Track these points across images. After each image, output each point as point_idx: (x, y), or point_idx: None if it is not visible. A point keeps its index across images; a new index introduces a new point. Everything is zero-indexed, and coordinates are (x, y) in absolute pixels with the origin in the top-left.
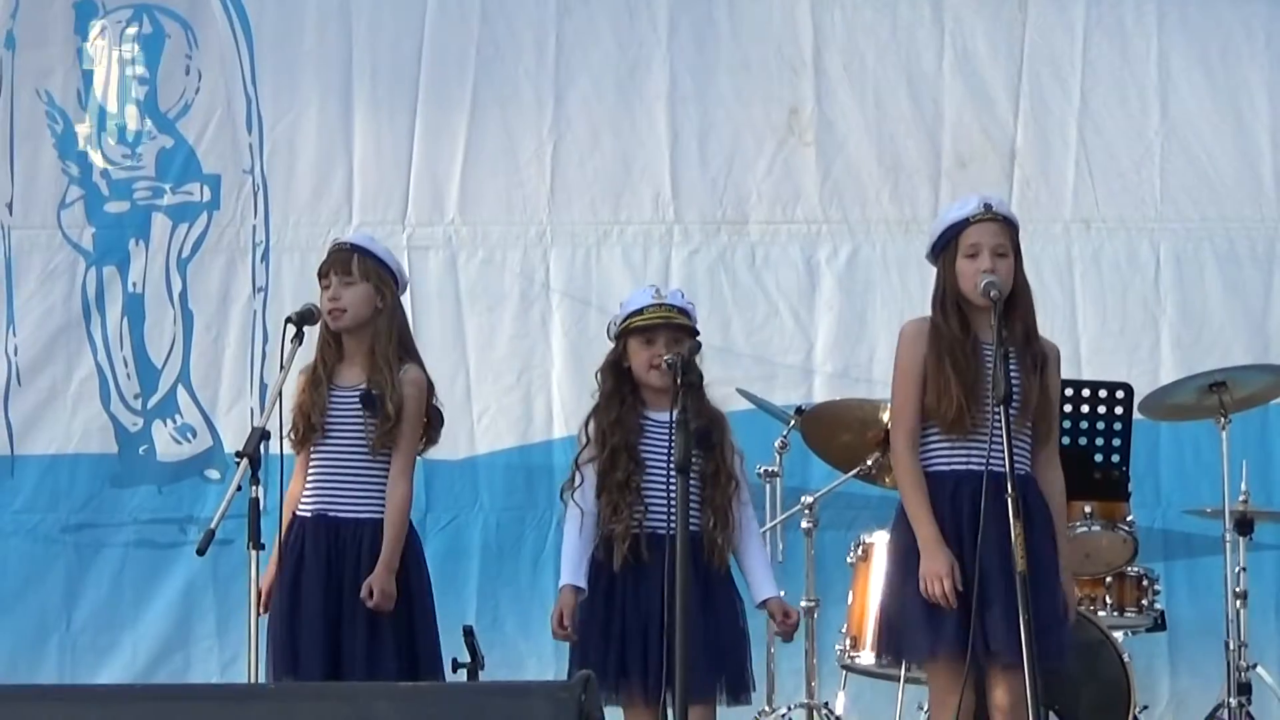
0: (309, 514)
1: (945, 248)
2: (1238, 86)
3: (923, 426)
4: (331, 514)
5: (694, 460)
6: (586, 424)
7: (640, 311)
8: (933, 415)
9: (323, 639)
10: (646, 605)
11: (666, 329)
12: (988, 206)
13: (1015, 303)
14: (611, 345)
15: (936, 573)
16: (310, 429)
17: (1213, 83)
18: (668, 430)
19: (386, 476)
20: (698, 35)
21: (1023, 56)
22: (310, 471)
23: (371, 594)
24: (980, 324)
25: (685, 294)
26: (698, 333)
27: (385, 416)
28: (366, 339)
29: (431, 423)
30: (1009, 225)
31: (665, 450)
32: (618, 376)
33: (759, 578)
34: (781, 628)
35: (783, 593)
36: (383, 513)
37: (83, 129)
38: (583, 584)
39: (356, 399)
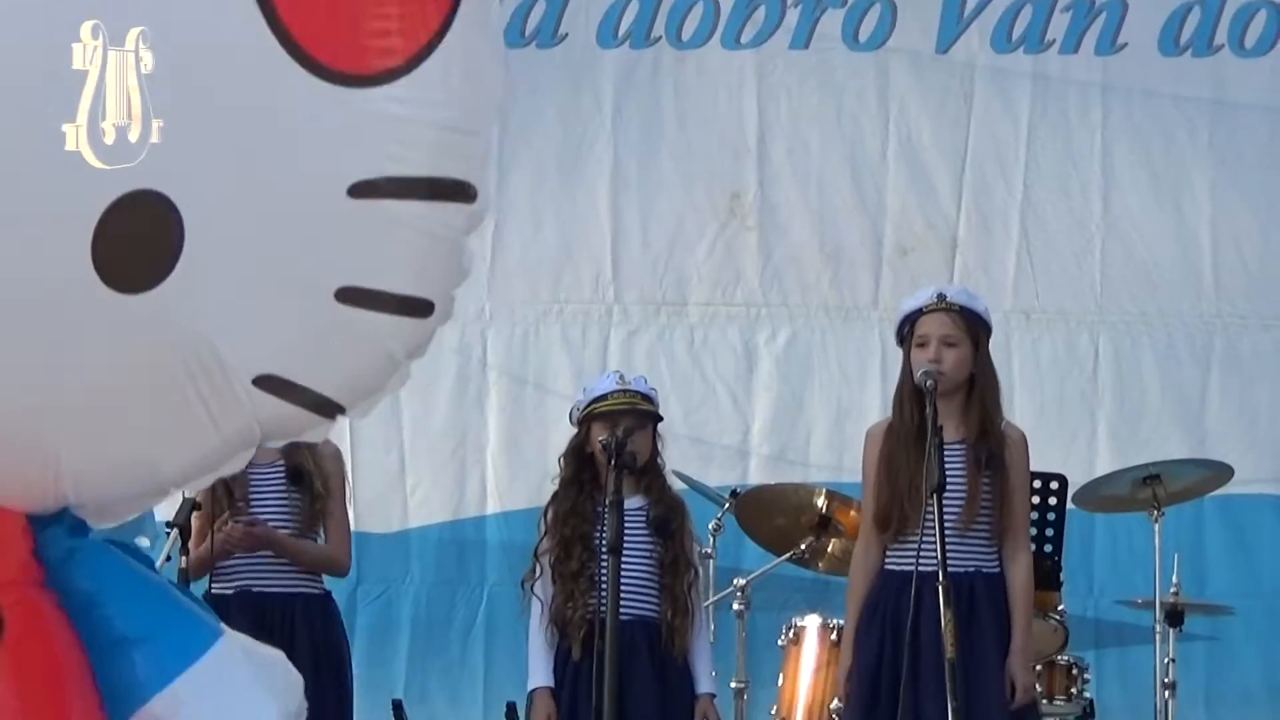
0: (230, 590)
1: (905, 339)
2: (1180, 183)
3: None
4: (256, 589)
5: (652, 546)
6: (546, 512)
7: (604, 397)
8: (875, 519)
9: None
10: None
11: (632, 415)
12: (941, 296)
13: (974, 394)
14: (574, 430)
15: (838, 678)
16: (231, 501)
17: (1155, 179)
18: (634, 518)
19: None
20: (642, 117)
21: (966, 146)
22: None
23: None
24: (940, 415)
25: (647, 380)
26: (660, 419)
27: (315, 494)
28: None
29: None
30: (965, 314)
31: (632, 538)
32: (579, 463)
33: (699, 671)
34: None
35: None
36: (309, 587)
37: None
38: (552, 683)
39: (279, 474)
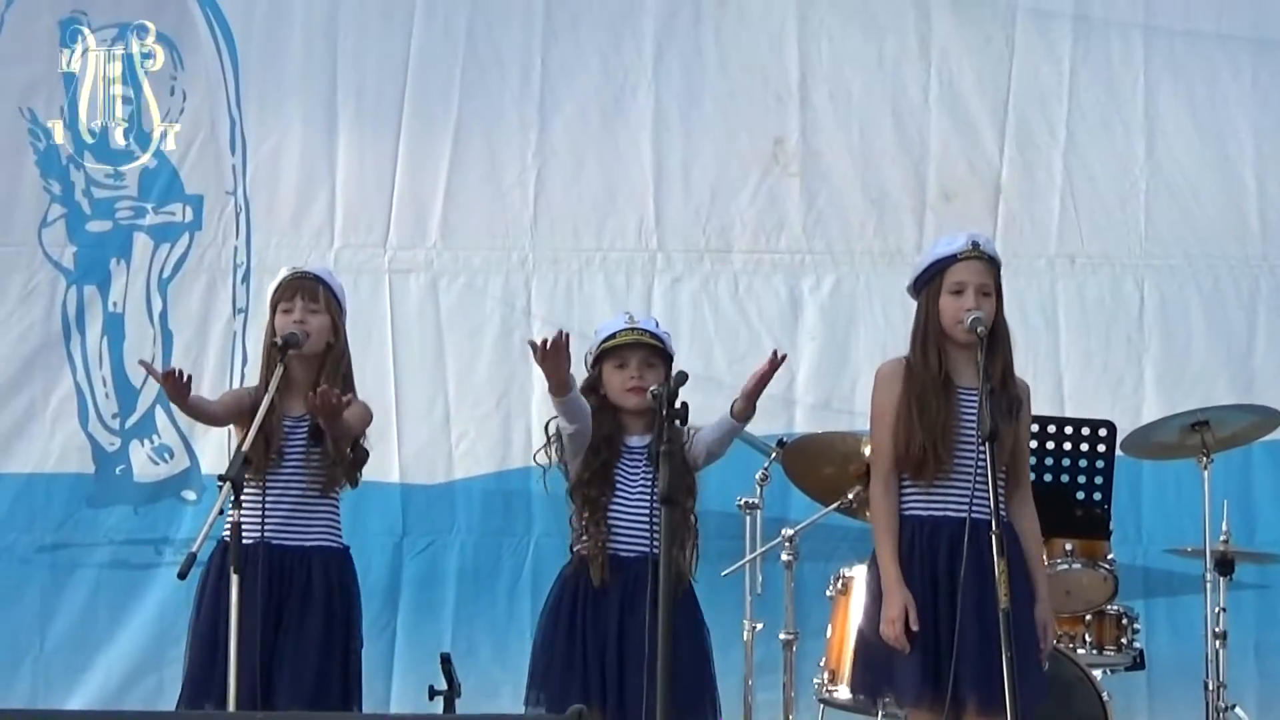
0: (248, 541)
1: (929, 283)
2: (1223, 125)
3: (900, 471)
4: (275, 542)
5: (654, 483)
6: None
7: (613, 335)
8: (900, 461)
9: (253, 667)
10: (604, 627)
11: (639, 349)
12: (976, 244)
13: (995, 345)
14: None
15: (890, 617)
16: (268, 451)
17: (1198, 121)
18: (640, 456)
19: (330, 508)
20: (684, 63)
21: (1009, 90)
22: (251, 497)
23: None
24: (958, 363)
25: (665, 322)
26: (672, 357)
27: (329, 455)
28: (313, 369)
29: (356, 462)
30: (994, 265)
31: (636, 476)
32: (596, 400)
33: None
34: None
35: None
36: (327, 541)
37: (65, 147)
38: None
39: (304, 430)
